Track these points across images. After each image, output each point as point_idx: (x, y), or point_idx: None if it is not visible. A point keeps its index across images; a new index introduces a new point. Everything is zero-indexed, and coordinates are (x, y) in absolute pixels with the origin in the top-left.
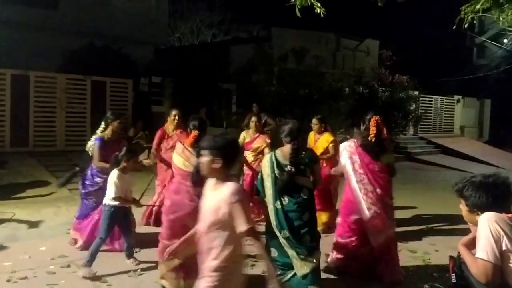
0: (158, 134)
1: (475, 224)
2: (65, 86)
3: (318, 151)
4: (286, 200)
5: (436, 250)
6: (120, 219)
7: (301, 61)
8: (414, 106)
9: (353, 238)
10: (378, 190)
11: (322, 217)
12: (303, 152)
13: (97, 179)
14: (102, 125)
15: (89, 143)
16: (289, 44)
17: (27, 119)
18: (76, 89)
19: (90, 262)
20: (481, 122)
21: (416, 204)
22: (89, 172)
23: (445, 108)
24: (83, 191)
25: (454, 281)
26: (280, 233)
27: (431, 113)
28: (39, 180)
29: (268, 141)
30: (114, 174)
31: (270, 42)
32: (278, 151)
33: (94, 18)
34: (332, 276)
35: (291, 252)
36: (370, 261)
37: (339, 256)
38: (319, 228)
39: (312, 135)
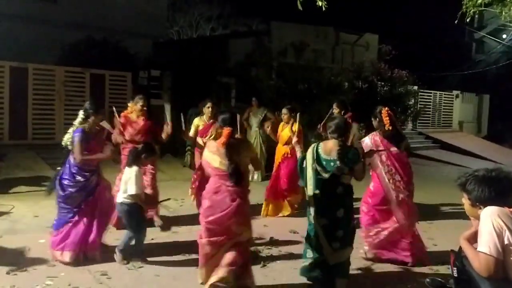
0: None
1: (477, 218)
2: (64, 78)
3: (283, 140)
4: (324, 192)
5: (435, 245)
6: (138, 216)
7: (300, 56)
8: (413, 101)
9: (384, 226)
10: (405, 178)
11: (291, 201)
12: (349, 149)
13: (78, 178)
14: (81, 115)
15: (67, 136)
16: (288, 38)
17: (26, 112)
18: (75, 82)
19: (124, 249)
20: (480, 118)
21: (415, 199)
22: (67, 171)
23: (444, 103)
24: (62, 194)
25: (456, 275)
26: (319, 220)
27: (430, 108)
28: (38, 173)
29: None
30: (134, 171)
31: (269, 36)
32: (321, 144)
33: (93, 11)
34: (359, 272)
35: (325, 242)
36: (398, 246)
37: (373, 245)
38: (289, 213)
39: (281, 126)
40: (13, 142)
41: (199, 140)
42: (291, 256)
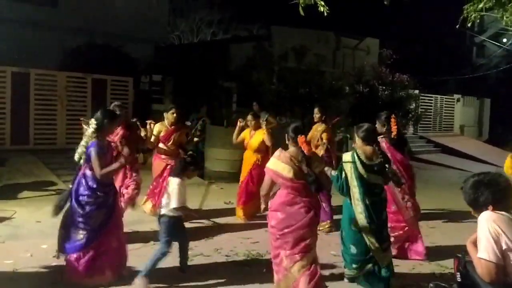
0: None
1: None
2: (65, 84)
3: (252, 147)
4: (371, 199)
5: (438, 248)
6: (179, 230)
7: (301, 60)
8: (414, 105)
9: (392, 225)
10: (409, 181)
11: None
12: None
13: (99, 193)
14: (93, 125)
15: (79, 151)
16: (289, 43)
17: (28, 117)
18: (76, 87)
19: (148, 272)
20: (481, 121)
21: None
22: (84, 187)
23: (445, 107)
24: (82, 213)
25: (459, 280)
26: (370, 226)
27: (431, 112)
28: (40, 178)
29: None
30: (177, 182)
31: (270, 41)
32: (359, 151)
33: (95, 16)
34: None
35: (376, 246)
36: (401, 244)
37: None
38: (245, 220)
39: (247, 132)
40: (15, 147)
41: (161, 145)
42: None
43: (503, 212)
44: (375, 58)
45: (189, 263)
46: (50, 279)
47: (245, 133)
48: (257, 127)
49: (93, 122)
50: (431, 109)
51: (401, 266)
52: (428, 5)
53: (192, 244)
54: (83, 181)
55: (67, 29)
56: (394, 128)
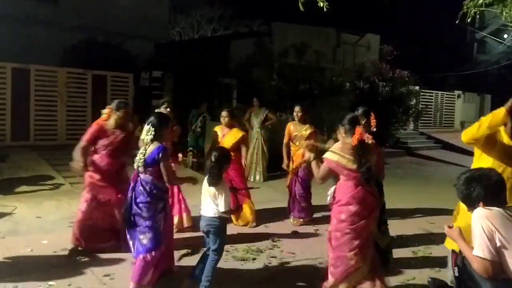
0: (93, 129)
1: None
2: (65, 80)
3: (225, 145)
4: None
5: (437, 244)
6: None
7: (301, 56)
8: (414, 101)
9: None
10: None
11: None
12: None
13: (161, 198)
14: (152, 130)
15: (138, 158)
16: (289, 39)
17: (28, 113)
18: (77, 83)
19: (211, 280)
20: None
21: (416, 199)
22: (145, 196)
23: (446, 103)
24: (146, 217)
25: (457, 275)
26: None
27: (431, 108)
28: (40, 174)
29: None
30: (222, 184)
31: (270, 37)
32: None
33: (95, 12)
34: None
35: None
36: None
37: None
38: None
39: (219, 129)
40: (15, 143)
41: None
42: (293, 256)
43: (495, 208)
44: (375, 54)
45: (189, 259)
46: (50, 275)
47: (217, 130)
48: (231, 125)
49: (150, 128)
50: (431, 105)
51: (400, 261)
52: (429, 1)
53: (192, 241)
54: (141, 188)
55: (68, 26)
56: (373, 122)
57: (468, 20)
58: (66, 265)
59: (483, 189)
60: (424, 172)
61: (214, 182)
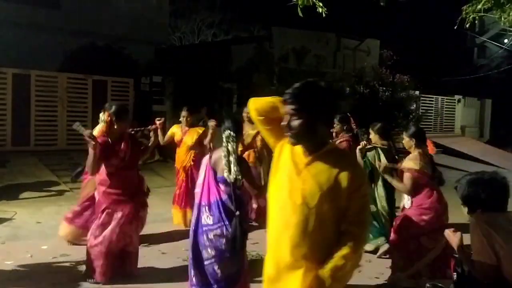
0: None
1: None
2: (66, 85)
3: (186, 144)
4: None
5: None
6: None
7: (301, 61)
8: (414, 106)
9: None
10: None
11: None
12: None
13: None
14: (232, 139)
15: (235, 169)
16: (289, 44)
17: (28, 118)
18: (77, 88)
19: None
20: (482, 122)
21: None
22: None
23: (446, 108)
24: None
25: (456, 279)
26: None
27: (431, 113)
28: (40, 179)
29: None
30: None
31: (270, 42)
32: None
33: (96, 18)
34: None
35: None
36: None
37: None
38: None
39: (177, 127)
40: (16, 149)
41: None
42: None
43: (494, 213)
44: (375, 59)
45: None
46: (50, 280)
47: (175, 129)
48: (191, 124)
49: (231, 134)
50: (431, 110)
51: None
52: (429, 6)
53: None
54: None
55: (68, 31)
56: (354, 124)
57: (467, 26)
58: (66, 270)
59: (490, 194)
60: None
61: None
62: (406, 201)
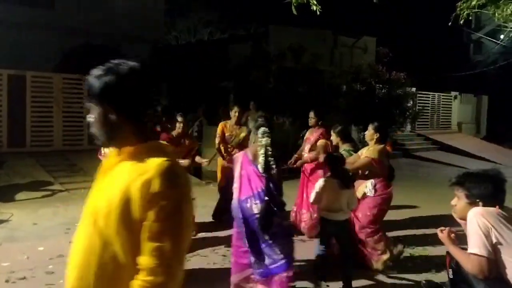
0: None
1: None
2: (62, 85)
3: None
4: None
5: (434, 246)
6: None
7: (298, 59)
8: (411, 102)
9: None
10: None
11: None
12: None
13: None
14: (267, 133)
15: (263, 160)
16: (286, 42)
17: (24, 119)
18: (73, 89)
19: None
20: (478, 118)
21: (414, 200)
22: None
23: (442, 104)
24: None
25: (451, 276)
26: None
27: (428, 109)
28: (37, 180)
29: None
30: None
31: (267, 40)
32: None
33: (91, 17)
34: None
35: None
36: None
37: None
38: None
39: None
40: (12, 150)
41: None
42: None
43: (492, 208)
44: (372, 56)
45: (192, 256)
46: (46, 281)
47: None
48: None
49: (267, 131)
50: (428, 106)
51: (396, 261)
52: (425, 2)
53: (195, 239)
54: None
55: (64, 31)
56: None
57: (461, 22)
58: (63, 271)
59: (494, 188)
60: (422, 174)
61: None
62: (369, 188)
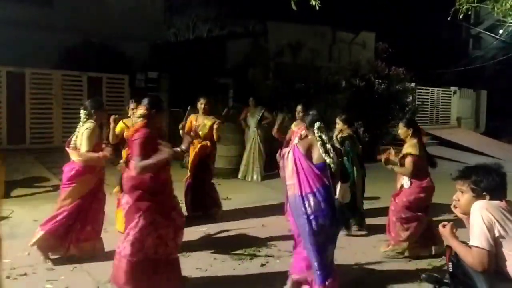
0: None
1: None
2: (61, 82)
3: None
4: None
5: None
6: None
7: (297, 55)
8: (410, 98)
9: None
10: None
11: None
12: None
13: None
14: (323, 128)
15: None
16: (285, 38)
17: (24, 116)
18: (72, 86)
19: None
20: (478, 113)
21: None
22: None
23: (442, 99)
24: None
25: (451, 270)
26: None
27: (427, 105)
28: (37, 177)
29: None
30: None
31: (266, 37)
32: None
33: (89, 15)
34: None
35: None
36: None
37: None
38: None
39: (128, 122)
40: (12, 147)
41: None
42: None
43: (495, 201)
44: (371, 52)
45: (185, 258)
46: (47, 278)
47: (123, 125)
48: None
49: (322, 125)
50: (427, 102)
51: (396, 258)
52: None
53: (189, 240)
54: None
55: (62, 28)
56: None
57: (460, 16)
58: (63, 268)
59: (498, 182)
60: None
61: None
62: (406, 181)
